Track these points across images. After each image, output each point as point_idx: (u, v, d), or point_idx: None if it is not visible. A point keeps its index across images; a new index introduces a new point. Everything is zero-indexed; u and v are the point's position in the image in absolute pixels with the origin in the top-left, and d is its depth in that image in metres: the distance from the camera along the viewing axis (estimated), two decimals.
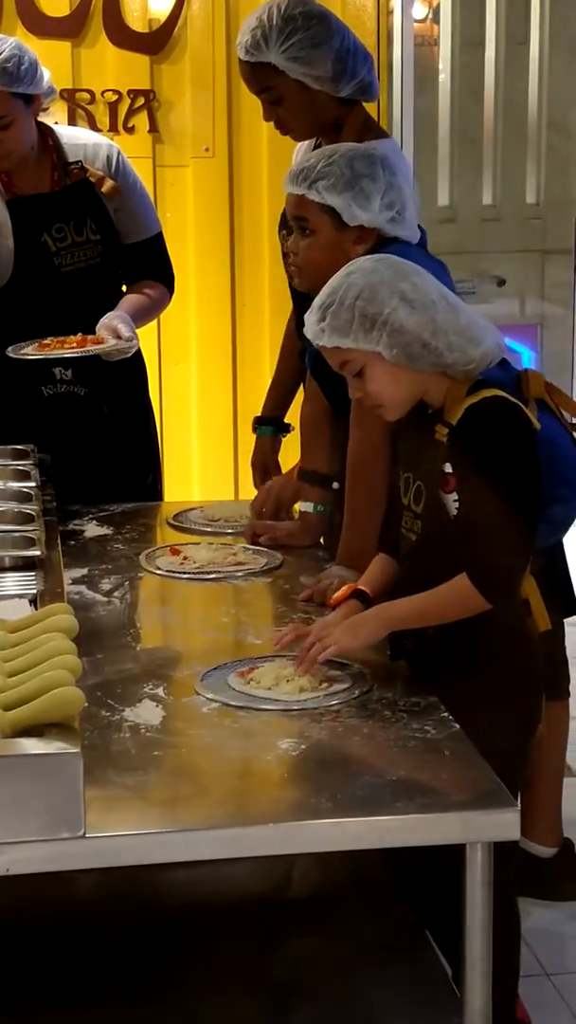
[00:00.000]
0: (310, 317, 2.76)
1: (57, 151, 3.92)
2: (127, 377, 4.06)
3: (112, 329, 3.75)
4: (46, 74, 3.86)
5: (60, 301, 3.87)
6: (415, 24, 7.26)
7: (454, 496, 2.65)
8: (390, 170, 3.19)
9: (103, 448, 4.03)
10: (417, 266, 2.77)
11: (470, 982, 2.24)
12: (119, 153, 4.00)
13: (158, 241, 4.11)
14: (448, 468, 2.65)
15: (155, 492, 4.23)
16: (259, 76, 3.61)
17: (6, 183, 3.89)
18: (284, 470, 3.99)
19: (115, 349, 3.73)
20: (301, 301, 3.82)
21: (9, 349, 3.77)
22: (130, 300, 3.95)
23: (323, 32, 3.57)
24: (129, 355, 3.80)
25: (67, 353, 3.73)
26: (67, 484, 3.77)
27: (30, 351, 3.75)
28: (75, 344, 3.74)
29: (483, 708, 2.64)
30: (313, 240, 3.24)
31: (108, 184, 3.92)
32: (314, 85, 3.57)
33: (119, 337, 3.73)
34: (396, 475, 2.86)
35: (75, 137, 4.01)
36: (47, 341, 3.78)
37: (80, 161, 3.93)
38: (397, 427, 2.86)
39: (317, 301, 2.76)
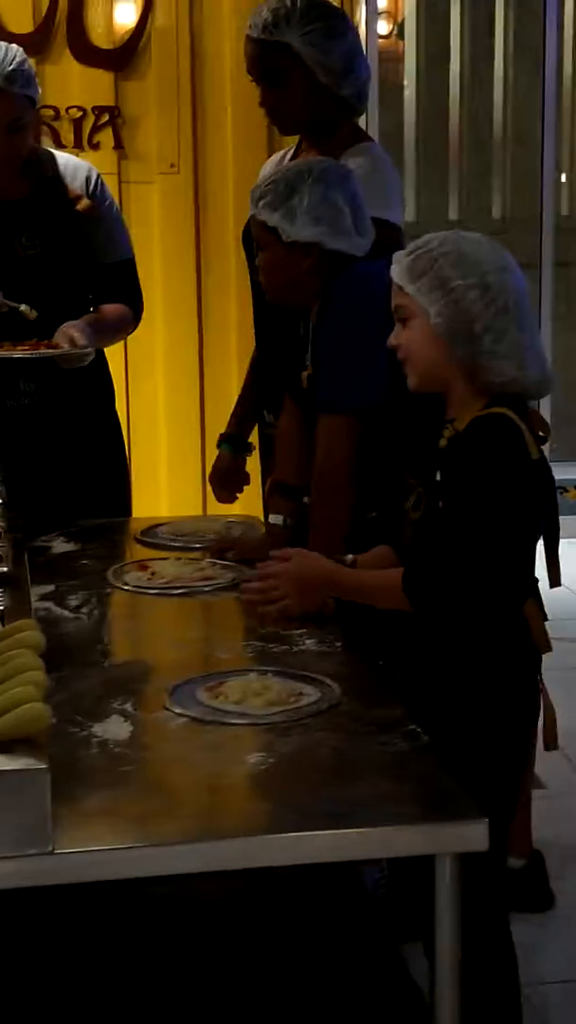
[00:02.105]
0: (404, 253, 2.75)
1: (38, 164, 3.94)
2: (92, 392, 4.06)
3: (68, 337, 3.75)
4: None
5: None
6: (379, 40, 7.30)
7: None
8: (325, 183, 3.23)
9: (69, 463, 4.02)
10: (515, 267, 2.74)
11: (440, 995, 2.24)
12: (98, 176, 4.02)
13: (129, 266, 4.11)
14: (438, 476, 2.68)
15: (122, 512, 4.22)
16: (270, 56, 3.66)
17: None
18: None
19: (68, 354, 3.73)
20: (261, 318, 3.85)
21: None
22: (92, 314, 3.96)
23: (341, 26, 3.69)
24: (85, 363, 3.79)
25: (18, 355, 3.73)
26: (33, 499, 3.76)
27: None
28: (28, 348, 3.75)
29: (485, 725, 2.69)
30: (266, 257, 3.32)
31: (84, 202, 3.93)
32: (321, 76, 3.64)
33: (74, 345, 3.74)
34: (400, 481, 2.88)
35: (57, 156, 4.04)
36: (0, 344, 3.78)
37: (59, 177, 3.95)
38: (362, 445, 2.89)
39: (418, 240, 2.76)
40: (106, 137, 5.56)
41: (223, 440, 4.15)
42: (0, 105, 3.73)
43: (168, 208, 5.65)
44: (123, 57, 5.56)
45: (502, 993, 2.82)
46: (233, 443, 4.11)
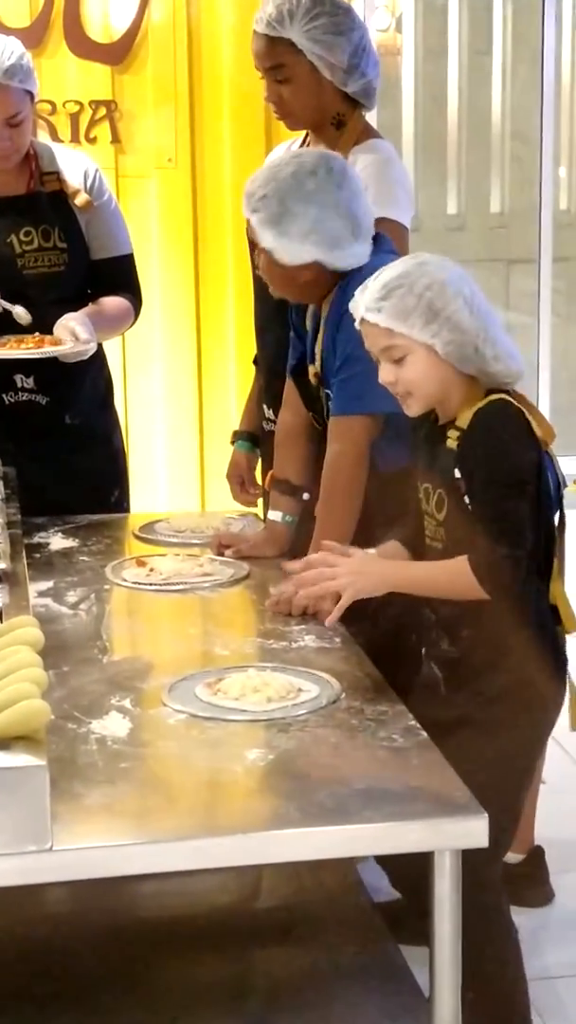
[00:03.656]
0: (367, 293, 2.76)
1: (36, 159, 3.93)
2: (91, 387, 4.05)
3: (69, 330, 3.74)
4: None
5: (20, 303, 3.85)
6: (378, 34, 7.28)
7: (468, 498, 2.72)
8: (319, 204, 3.16)
9: (67, 458, 4.01)
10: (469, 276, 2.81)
11: (439, 991, 2.23)
12: (97, 171, 4.01)
13: (128, 261, 4.10)
14: (457, 473, 2.71)
15: (120, 508, 4.21)
16: (274, 52, 3.62)
17: None
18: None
19: (72, 351, 3.73)
20: (261, 313, 3.83)
21: None
22: (92, 306, 3.95)
23: (347, 23, 3.63)
24: (85, 357, 3.79)
25: (21, 354, 3.73)
26: (31, 495, 3.75)
27: None
28: (32, 344, 3.74)
29: (510, 708, 2.74)
30: (264, 260, 3.27)
31: (82, 198, 3.92)
32: (325, 73, 3.60)
33: (76, 339, 3.73)
34: (415, 485, 2.90)
35: (56, 150, 4.03)
36: (3, 340, 3.77)
37: (57, 172, 3.94)
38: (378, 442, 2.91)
39: (382, 279, 2.75)
40: (103, 131, 5.55)
41: (238, 438, 4.12)
42: None
43: (165, 203, 5.64)
44: (120, 51, 5.54)
45: (509, 988, 2.82)
46: (248, 440, 4.07)
